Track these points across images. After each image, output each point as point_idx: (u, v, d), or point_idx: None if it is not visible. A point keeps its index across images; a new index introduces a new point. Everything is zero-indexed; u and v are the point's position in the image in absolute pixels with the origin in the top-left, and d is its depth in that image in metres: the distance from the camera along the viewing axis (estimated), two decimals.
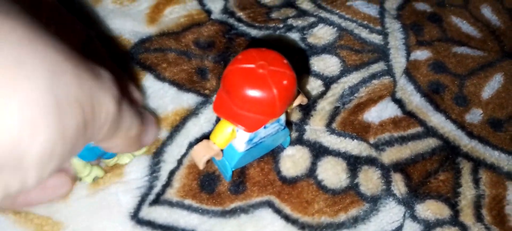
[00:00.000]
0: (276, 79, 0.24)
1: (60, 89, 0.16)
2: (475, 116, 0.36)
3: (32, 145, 0.15)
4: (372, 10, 0.41)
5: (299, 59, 0.37)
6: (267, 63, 0.25)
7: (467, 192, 0.32)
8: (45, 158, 0.16)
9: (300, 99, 0.29)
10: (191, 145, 0.32)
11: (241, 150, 0.28)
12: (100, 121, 0.18)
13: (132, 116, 0.22)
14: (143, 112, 0.25)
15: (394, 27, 0.40)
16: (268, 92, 0.24)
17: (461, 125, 0.35)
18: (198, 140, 0.32)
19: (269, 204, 0.31)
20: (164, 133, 0.32)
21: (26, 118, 0.15)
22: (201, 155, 0.27)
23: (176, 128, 0.33)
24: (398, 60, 0.38)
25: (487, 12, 0.43)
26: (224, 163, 0.29)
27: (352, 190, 0.31)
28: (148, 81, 0.34)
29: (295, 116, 0.34)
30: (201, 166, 0.27)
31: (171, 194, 0.30)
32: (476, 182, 0.32)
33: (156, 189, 0.30)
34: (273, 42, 0.38)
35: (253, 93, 0.24)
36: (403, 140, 0.34)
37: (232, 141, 0.28)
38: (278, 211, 0.30)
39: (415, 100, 0.36)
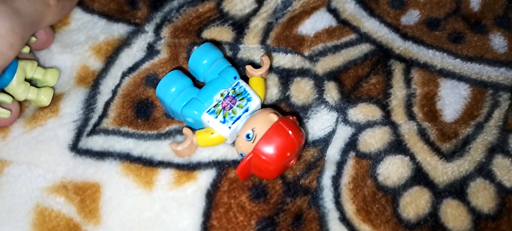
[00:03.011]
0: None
1: None
2: (411, 17, 0.35)
3: None
4: None
5: None
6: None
7: (398, 92, 0.32)
8: None
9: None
10: (124, 75, 0.33)
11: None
12: None
13: None
14: None
15: None
16: None
17: (396, 28, 0.35)
18: (130, 69, 0.33)
19: None
20: (99, 64, 0.33)
21: None
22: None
23: (110, 59, 0.33)
24: None
25: None
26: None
27: (283, 102, 0.32)
28: (77, 13, 0.34)
29: (228, 36, 0.34)
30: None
31: (107, 123, 0.31)
32: (408, 81, 0.33)
33: (93, 121, 0.31)
34: None
35: None
36: (336, 48, 0.34)
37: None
38: None
39: (350, 8, 0.35)
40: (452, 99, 0.32)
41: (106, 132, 0.31)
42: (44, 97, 0.31)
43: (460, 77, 0.33)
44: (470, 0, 0.36)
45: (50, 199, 0.29)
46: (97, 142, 0.30)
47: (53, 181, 0.29)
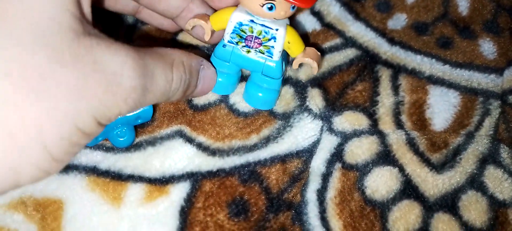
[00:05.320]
0: None
1: None
2: (398, 21, 0.34)
3: None
4: None
5: None
6: None
7: (385, 100, 0.30)
8: None
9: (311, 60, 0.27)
10: None
11: (224, 40, 0.27)
12: None
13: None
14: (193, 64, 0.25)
15: None
16: None
17: (382, 32, 0.33)
18: None
19: (180, 134, 0.29)
20: None
21: None
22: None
23: None
24: None
25: None
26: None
27: (264, 110, 0.30)
28: None
29: None
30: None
31: None
32: (396, 88, 0.31)
33: None
34: None
35: None
36: (320, 53, 0.32)
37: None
38: (189, 140, 0.29)
39: (334, 11, 0.34)
40: (441, 108, 0.30)
41: None
42: None
43: (449, 84, 0.31)
44: (458, 4, 0.35)
45: (7, 217, 0.26)
46: None
47: (11, 196, 0.27)
